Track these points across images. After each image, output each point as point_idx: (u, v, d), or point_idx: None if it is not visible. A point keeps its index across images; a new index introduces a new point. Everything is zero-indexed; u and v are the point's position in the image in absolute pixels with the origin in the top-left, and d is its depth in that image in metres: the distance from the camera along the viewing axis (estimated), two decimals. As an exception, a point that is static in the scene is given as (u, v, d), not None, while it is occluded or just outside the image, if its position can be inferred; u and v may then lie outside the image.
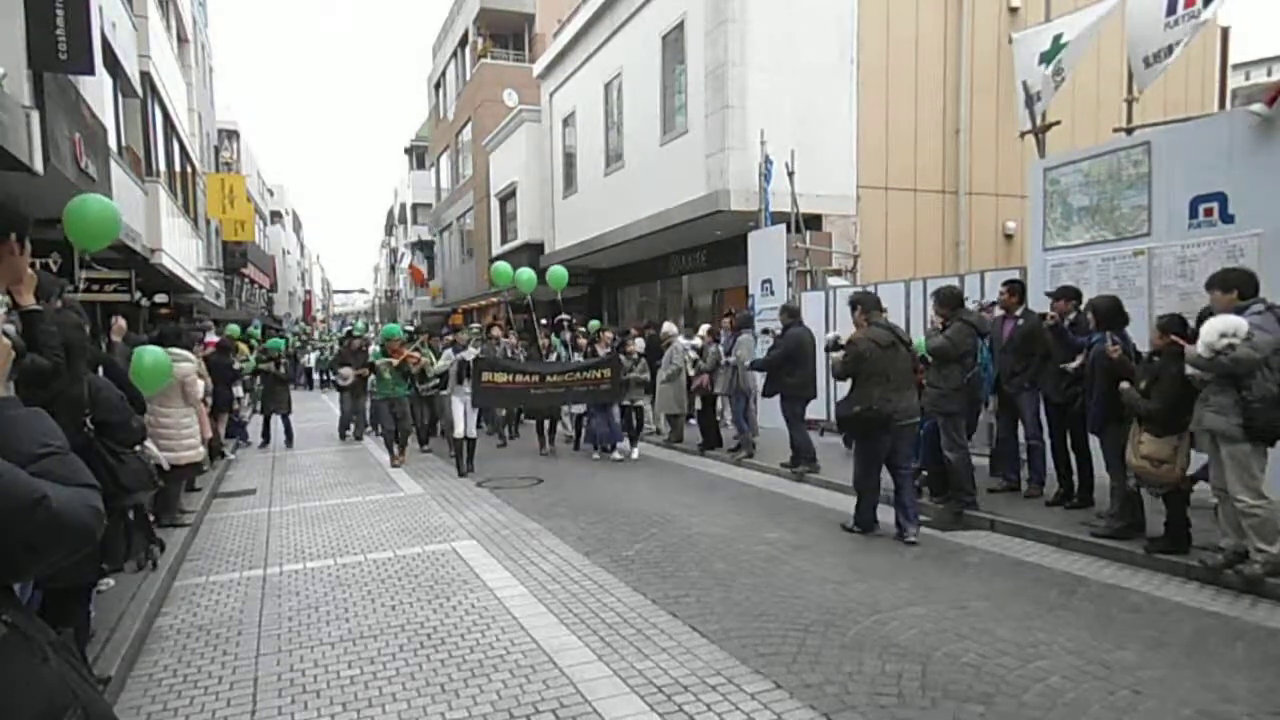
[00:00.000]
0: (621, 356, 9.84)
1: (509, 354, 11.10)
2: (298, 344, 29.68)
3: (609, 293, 20.65)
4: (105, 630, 3.97)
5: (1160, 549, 4.91)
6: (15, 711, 1.25)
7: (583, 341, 11.09)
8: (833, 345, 6.41)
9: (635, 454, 9.94)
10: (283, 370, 12.24)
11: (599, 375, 9.57)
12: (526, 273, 11.87)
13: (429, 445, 11.29)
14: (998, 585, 4.65)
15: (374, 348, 12.55)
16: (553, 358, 11.13)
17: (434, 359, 10.48)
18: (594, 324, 12.85)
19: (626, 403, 10.03)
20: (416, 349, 11.04)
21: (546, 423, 10.69)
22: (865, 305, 5.93)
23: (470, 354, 9.25)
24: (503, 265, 12.06)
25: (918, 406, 5.86)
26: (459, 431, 9.10)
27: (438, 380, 10.22)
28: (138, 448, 3.81)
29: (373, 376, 10.64)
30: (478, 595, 4.75)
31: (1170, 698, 3.18)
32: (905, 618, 4.14)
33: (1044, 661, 3.55)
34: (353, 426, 12.74)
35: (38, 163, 6.18)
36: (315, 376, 26.71)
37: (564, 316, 12.43)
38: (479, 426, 11.00)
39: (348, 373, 12.10)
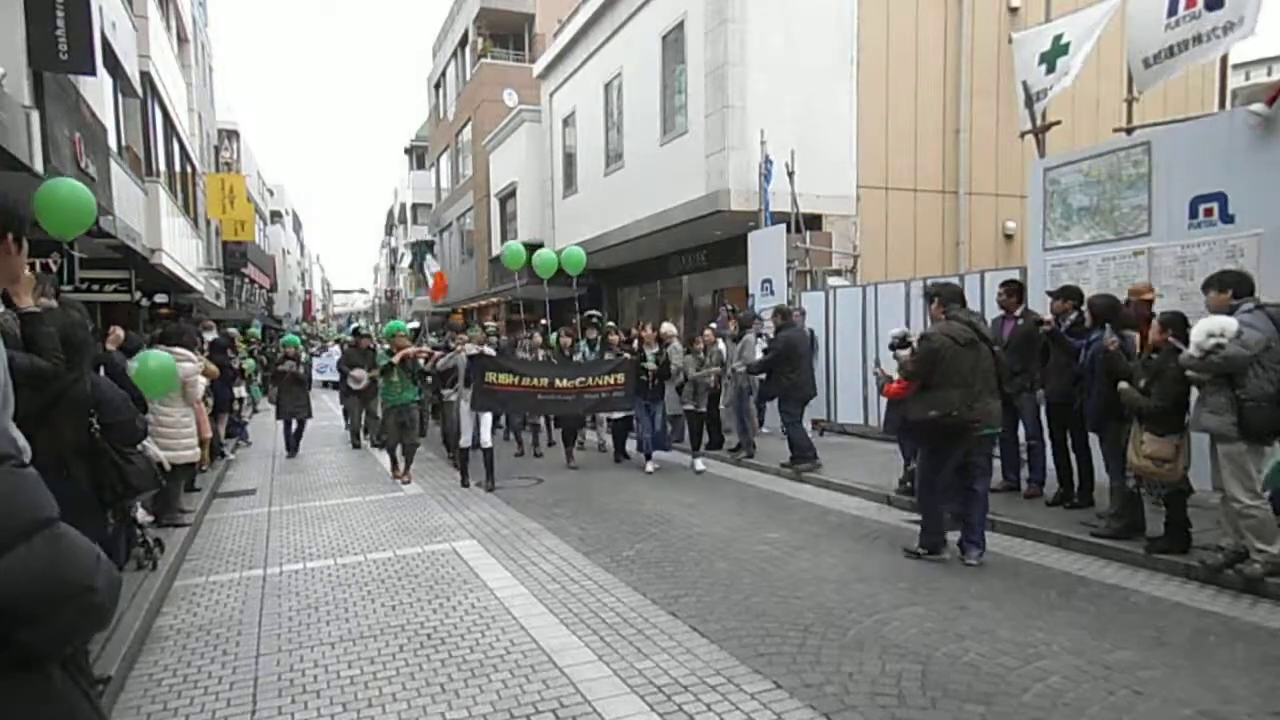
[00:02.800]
0: (688, 356, 9.00)
1: (534, 356, 10.05)
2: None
3: (609, 293, 20.65)
4: (105, 630, 3.97)
5: (1160, 549, 4.91)
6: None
7: (614, 339, 9.78)
8: (899, 343, 5.81)
9: (701, 465, 8.91)
10: (300, 369, 11.48)
11: (613, 380, 8.70)
12: (546, 254, 10.70)
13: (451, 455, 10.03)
14: (998, 585, 4.65)
15: (381, 349, 11.61)
16: (577, 360, 10.08)
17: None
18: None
19: (690, 407, 9.08)
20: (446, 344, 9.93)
21: (570, 433, 9.70)
22: (945, 297, 5.25)
23: (468, 350, 8.29)
24: (515, 245, 11.12)
25: (1000, 413, 5.16)
26: (466, 440, 8.27)
27: (435, 383, 9.41)
28: (140, 446, 3.81)
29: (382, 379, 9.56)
30: (478, 595, 4.75)
31: (1170, 698, 3.18)
32: (905, 618, 4.14)
33: (1044, 661, 3.55)
34: (365, 433, 11.74)
35: (38, 163, 6.18)
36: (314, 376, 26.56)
37: (594, 313, 11.21)
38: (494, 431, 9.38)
39: (360, 374, 10.86)
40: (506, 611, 4.43)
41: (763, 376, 8.91)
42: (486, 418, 8.39)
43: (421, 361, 9.23)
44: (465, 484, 8.25)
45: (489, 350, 8.58)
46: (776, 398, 8.72)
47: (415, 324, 24.06)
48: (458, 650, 3.90)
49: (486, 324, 12.21)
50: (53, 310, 3.63)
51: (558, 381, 8.65)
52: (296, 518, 7.14)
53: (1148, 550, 4.96)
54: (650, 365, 8.78)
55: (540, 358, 10.35)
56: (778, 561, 5.26)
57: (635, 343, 9.55)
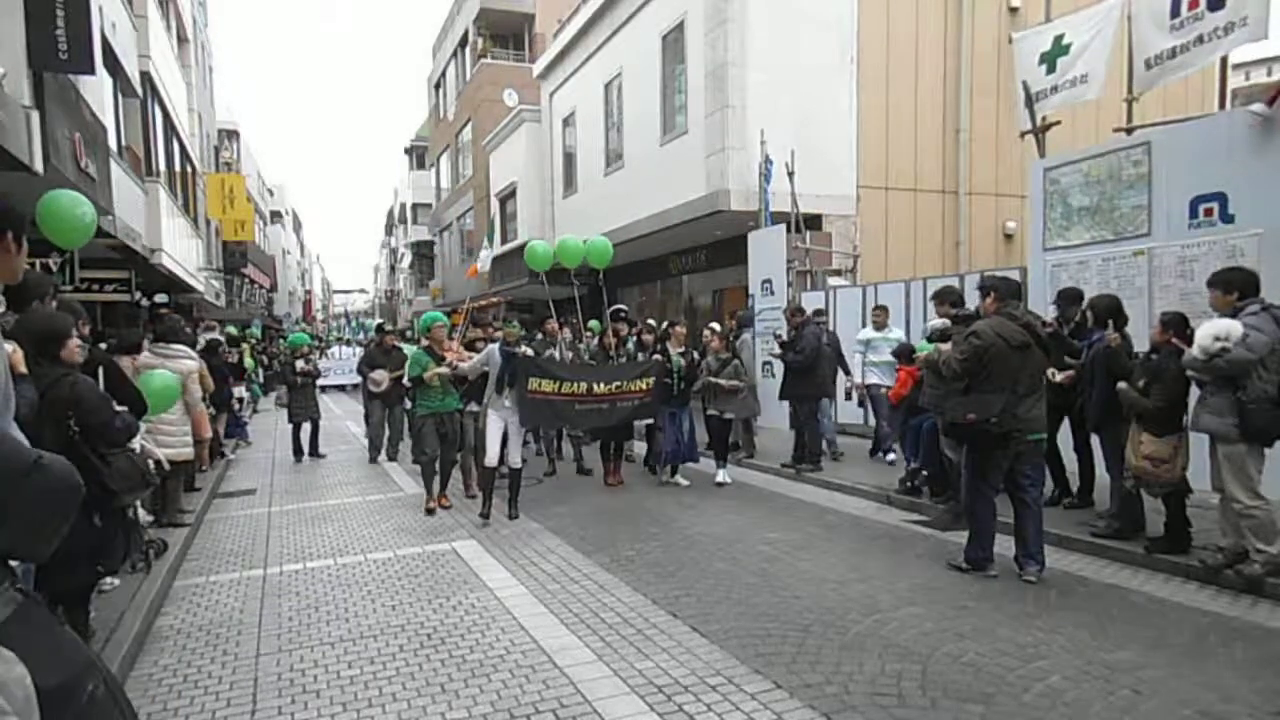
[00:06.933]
0: (709, 359, 8.24)
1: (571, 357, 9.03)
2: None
3: (609, 293, 20.65)
4: (105, 630, 3.97)
5: (1160, 549, 4.91)
6: (43, 672, 1.28)
7: (648, 338, 8.77)
8: (939, 335, 5.46)
9: (723, 477, 8.10)
10: (312, 366, 11.06)
11: (645, 385, 7.68)
12: (570, 242, 9.62)
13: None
14: (997, 585, 4.65)
15: (412, 350, 9.09)
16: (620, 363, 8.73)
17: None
18: (594, 324, 12.74)
19: (714, 413, 8.23)
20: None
21: (612, 445, 8.35)
22: (1000, 292, 4.80)
23: (520, 350, 7.04)
24: (539, 244, 10.12)
25: (1045, 418, 4.82)
26: (492, 458, 6.71)
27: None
28: (132, 445, 3.76)
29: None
30: (478, 595, 4.75)
31: (1170, 698, 3.18)
32: (905, 618, 4.14)
33: (1044, 661, 3.55)
34: (385, 445, 10.47)
35: (38, 163, 6.18)
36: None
37: (621, 308, 10.11)
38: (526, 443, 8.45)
39: (381, 376, 9.68)
40: (506, 611, 4.43)
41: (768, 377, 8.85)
42: (519, 432, 7.05)
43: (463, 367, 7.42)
44: (486, 515, 6.68)
45: (526, 350, 7.22)
46: (796, 398, 8.47)
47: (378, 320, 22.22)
48: (458, 650, 3.90)
49: (513, 322, 10.60)
50: (32, 311, 3.63)
51: (595, 387, 7.45)
52: (296, 518, 7.14)
53: (1148, 550, 4.96)
54: (678, 365, 8.01)
55: (568, 358, 9.17)
56: (778, 561, 5.26)
57: (660, 342, 8.68)
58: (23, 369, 3.03)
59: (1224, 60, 7.26)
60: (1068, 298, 6.10)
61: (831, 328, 9.95)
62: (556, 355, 8.83)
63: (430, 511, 7.12)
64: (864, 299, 10.36)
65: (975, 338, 4.62)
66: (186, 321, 9.35)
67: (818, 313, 9.62)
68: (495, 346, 6.98)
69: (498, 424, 6.77)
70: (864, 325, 9.85)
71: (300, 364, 10.91)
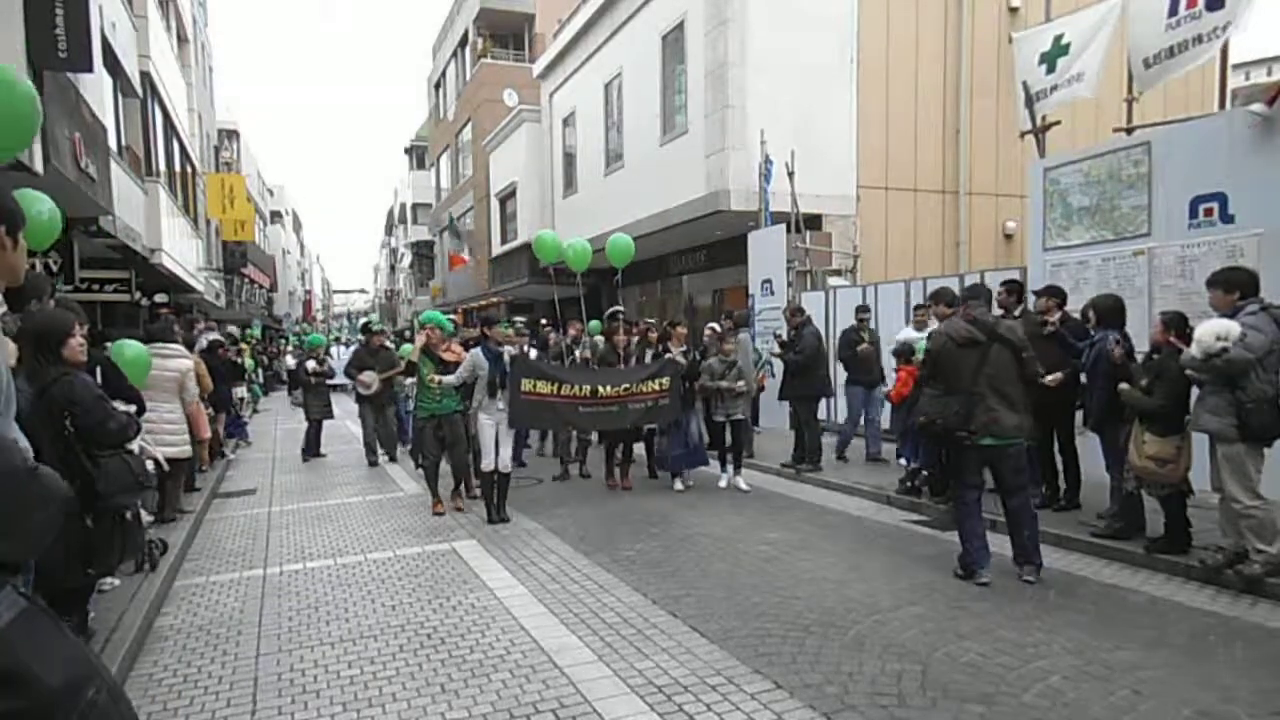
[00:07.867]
0: (712, 361, 7.86)
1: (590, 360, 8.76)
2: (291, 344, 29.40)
3: (609, 292, 20.66)
4: (105, 630, 3.97)
5: (1160, 549, 4.91)
6: (48, 670, 1.33)
7: (653, 336, 8.56)
8: None
9: (740, 482, 7.84)
10: (326, 367, 11.29)
11: (658, 387, 7.48)
12: (580, 244, 9.48)
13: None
14: (998, 585, 4.64)
15: (406, 346, 10.00)
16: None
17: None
18: (594, 324, 12.70)
19: (721, 417, 7.83)
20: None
21: (619, 448, 8.15)
22: (965, 296, 5.04)
23: (508, 351, 6.90)
24: (547, 234, 9.82)
25: (1017, 422, 4.65)
26: (488, 463, 6.67)
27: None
28: (131, 446, 3.74)
29: (409, 381, 8.27)
30: (478, 595, 4.75)
31: (1170, 698, 3.18)
32: (905, 618, 4.14)
33: (1044, 661, 3.55)
34: (380, 446, 10.27)
35: (38, 163, 6.18)
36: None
37: (619, 309, 9.67)
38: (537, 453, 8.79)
39: (371, 378, 9.66)
40: (506, 611, 4.43)
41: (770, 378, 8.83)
42: (509, 435, 6.91)
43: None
44: (493, 519, 6.65)
45: (511, 351, 7.04)
46: (796, 398, 8.45)
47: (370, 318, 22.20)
48: (458, 650, 3.89)
49: (516, 320, 10.11)
50: (34, 310, 3.63)
51: (601, 388, 7.30)
52: (296, 518, 7.14)
53: (1148, 550, 4.96)
54: (680, 362, 7.80)
55: (577, 360, 9.03)
56: (777, 561, 5.26)
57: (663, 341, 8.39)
58: (12, 361, 3.02)
59: (1224, 60, 7.28)
60: (1047, 291, 6.13)
61: (833, 328, 9.96)
62: (578, 356, 8.73)
63: (439, 513, 7.05)
64: (864, 299, 10.35)
65: (930, 341, 4.88)
66: (180, 324, 9.17)
67: (862, 309, 9.03)
68: (477, 351, 6.83)
69: (491, 427, 6.70)
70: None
71: (312, 364, 11.20)
